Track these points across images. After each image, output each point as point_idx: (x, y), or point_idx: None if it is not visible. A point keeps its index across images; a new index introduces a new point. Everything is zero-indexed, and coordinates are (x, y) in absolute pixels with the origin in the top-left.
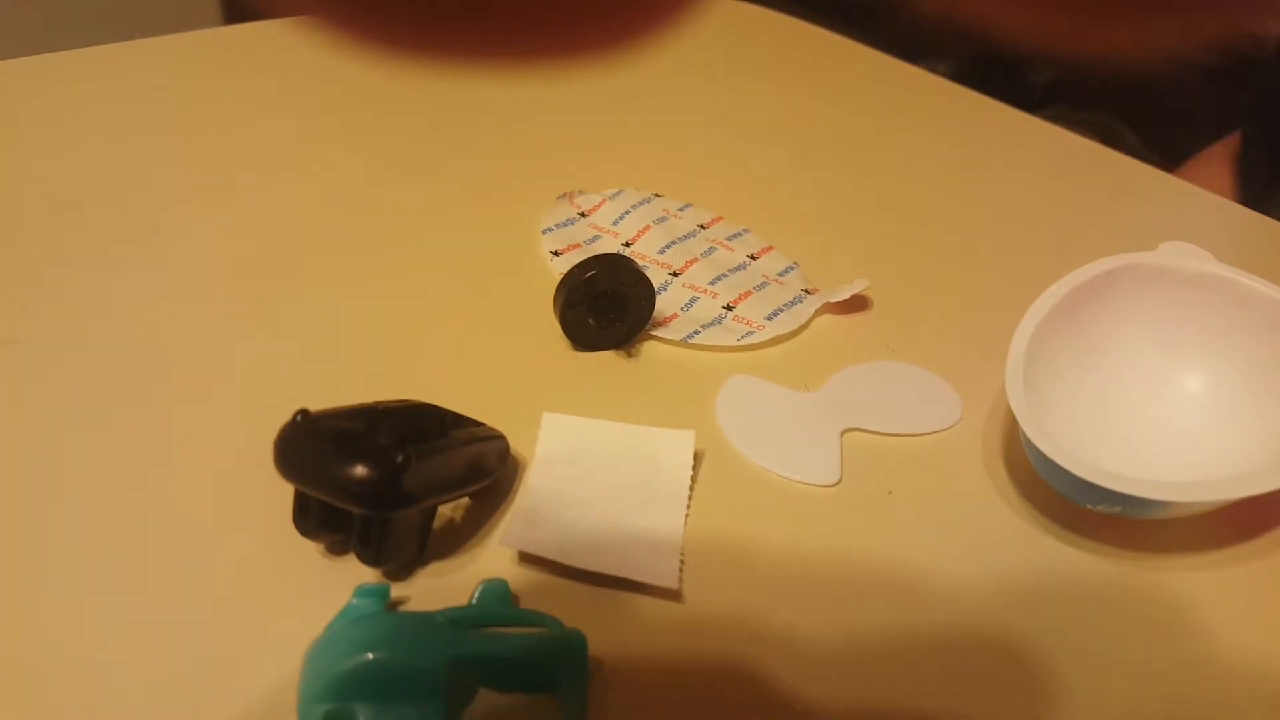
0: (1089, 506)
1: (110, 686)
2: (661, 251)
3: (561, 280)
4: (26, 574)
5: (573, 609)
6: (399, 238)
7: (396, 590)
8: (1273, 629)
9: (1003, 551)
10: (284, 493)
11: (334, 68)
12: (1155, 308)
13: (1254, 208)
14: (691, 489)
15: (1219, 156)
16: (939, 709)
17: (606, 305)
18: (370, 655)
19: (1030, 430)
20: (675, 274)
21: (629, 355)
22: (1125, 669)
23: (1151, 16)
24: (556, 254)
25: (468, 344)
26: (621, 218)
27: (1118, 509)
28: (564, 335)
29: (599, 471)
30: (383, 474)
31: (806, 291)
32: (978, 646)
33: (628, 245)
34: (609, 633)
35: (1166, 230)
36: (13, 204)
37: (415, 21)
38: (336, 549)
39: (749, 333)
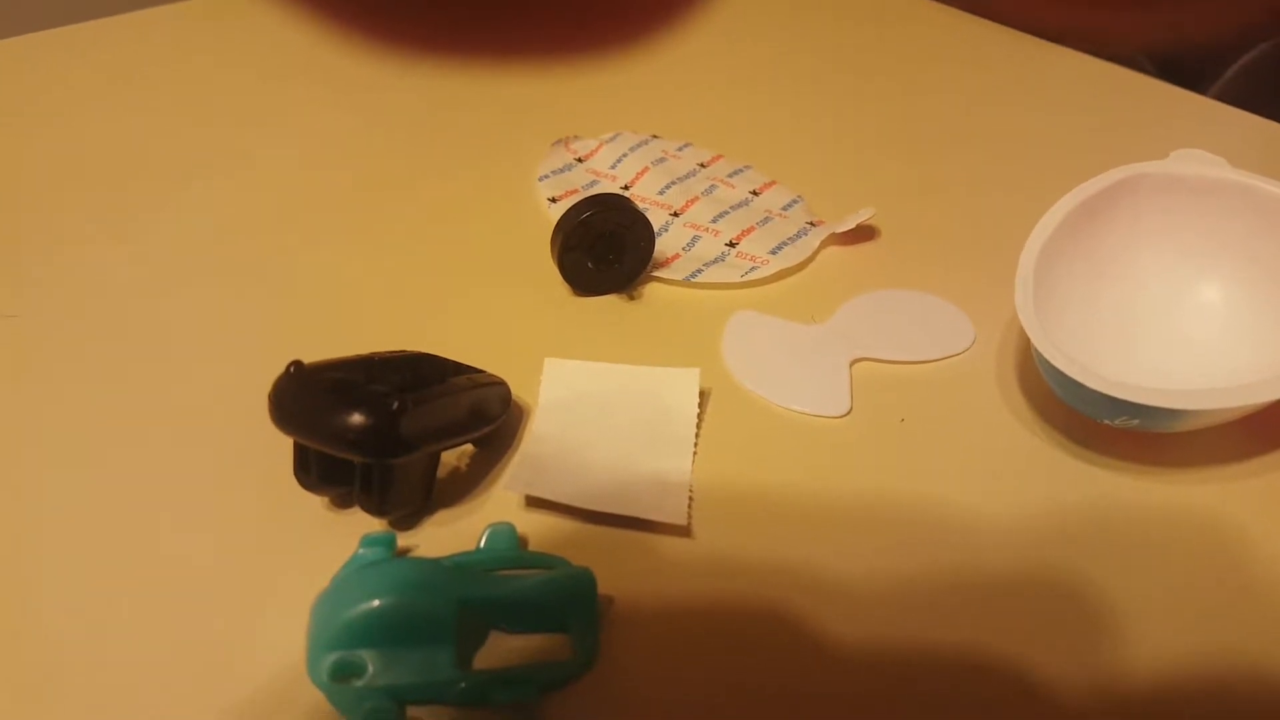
0: (1107, 421)
1: (119, 648)
2: (661, 192)
3: (558, 224)
4: (30, 542)
5: (582, 551)
6: (394, 192)
7: (403, 539)
8: None
9: (1021, 473)
10: (287, 449)
11: (326, 30)
12: (1168, 217)
13: None
14: (699, 427)
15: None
16: (967, 640)
17: (605, 247)
18: (377, 601)
19: (1042, 345)
20: (676, 214)
21: (631, 298)
22: (1160, 584)
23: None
24: (554, 200)
25: (467, 294)
26: (619, 161)
27: (1136, 422)
28: (564, 281)
29: (603, 413)
30: (379, 420)
31: (811, 224)
32: (1000, 571)
33: (626, 188)
34: (619, 572)
35: (1181, 144)
36: (9, 178)
37: (407, 19)
38: (342, 502)
39: (753, 268)
